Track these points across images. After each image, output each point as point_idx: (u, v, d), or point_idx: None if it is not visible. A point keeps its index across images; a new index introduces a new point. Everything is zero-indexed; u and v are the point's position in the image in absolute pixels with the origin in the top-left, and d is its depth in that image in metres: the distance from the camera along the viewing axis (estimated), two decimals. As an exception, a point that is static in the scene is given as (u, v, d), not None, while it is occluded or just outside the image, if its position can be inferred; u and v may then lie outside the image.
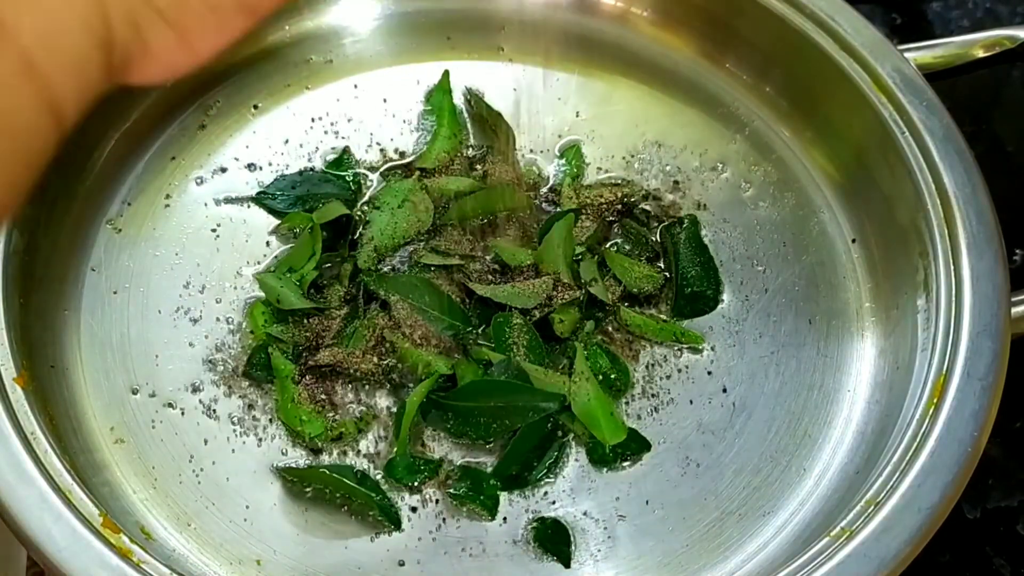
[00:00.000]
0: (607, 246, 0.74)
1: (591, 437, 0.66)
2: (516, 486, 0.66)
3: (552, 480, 0.66)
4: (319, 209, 0.74)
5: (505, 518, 0.65)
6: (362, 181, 0.77)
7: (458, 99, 0.81)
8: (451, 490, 0.65)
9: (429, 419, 0.67)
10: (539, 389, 0.66)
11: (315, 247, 0.71)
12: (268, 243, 0.74)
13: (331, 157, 0.78)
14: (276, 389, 0.67)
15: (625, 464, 0.66)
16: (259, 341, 0.69)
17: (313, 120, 0.80)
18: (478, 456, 0.67)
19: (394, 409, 0.68)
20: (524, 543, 0.64)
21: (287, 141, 0.79)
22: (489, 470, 0.66)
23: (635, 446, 0.67)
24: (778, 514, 0.66)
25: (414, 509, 0.65)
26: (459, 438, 0.67)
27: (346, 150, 0.78)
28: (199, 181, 0.77)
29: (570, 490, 0.66)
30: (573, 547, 0.64)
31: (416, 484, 0.65)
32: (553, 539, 0.64)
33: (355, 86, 0.82)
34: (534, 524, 0.65)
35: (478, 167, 0.77)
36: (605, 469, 0.67)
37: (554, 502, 0.66)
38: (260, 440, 0.67)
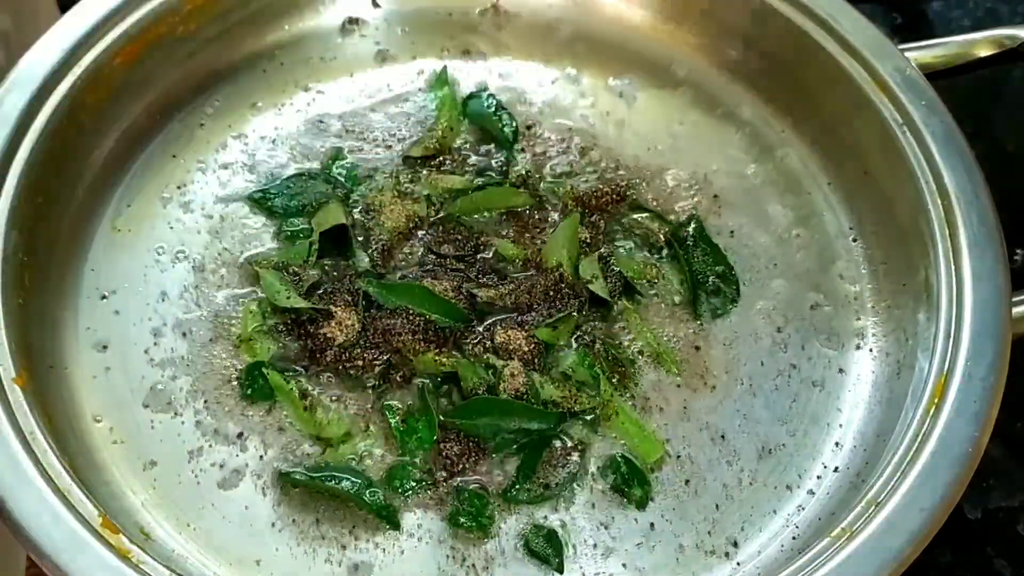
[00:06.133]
0: (613, 246, 0.74)
1: (613, 462, 0.67)
2: (523, 503, 0.65)
3: (563, 497, 0.66)
4: (318, 213, 0.74)
5: (504, 524, 0.65)
6: (359, 179, 0.76)
7: (459, 98, 0.81)
8: (449, 512, 0.64)
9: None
10: (535, 408, 0.66)
11: (312, 249, 0.71)
12: (267, 243, 0.74)
13: (329, 156, 0.78)
14: (283, 404, 0.67)
15: (627, 502, 0.66)
16: (250, 356, 0.69)
17: (312, 119, 0.80)
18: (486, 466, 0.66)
19: (394, 409, 0.67)
20: (521, 549, 0.64)
21: (286, 140, 0.79)
22: (491, 473, 0.66)
23: (639, 496, 0.66)
24: (779, 514, 0.66)
25: (413, 512, 0.65)
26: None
27: (340, 151, 0.78)
28: (198, 180, 0.76)
29: (569, 496, 0.66)
30: (568, 553, 0.64)
31: (415, 492, 0.65)
32: (545, 546, 0.64)
33: (354, 85, 0.82)
34: (528, 531, 0.64)
35: (473, 164, 0.77)
36: (610, 484, 0.66)
37: (552, 509, 0.65)
38: (259, 442, 0.66)
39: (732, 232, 0.76)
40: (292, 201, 0.75)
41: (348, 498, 0.64)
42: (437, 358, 0.68)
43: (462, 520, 0.64)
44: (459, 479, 0.65)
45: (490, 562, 0.63)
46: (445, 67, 0.82)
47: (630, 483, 0.66)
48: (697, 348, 0.71)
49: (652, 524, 0.65)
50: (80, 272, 0.72)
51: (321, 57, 0.83)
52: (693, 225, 0.76)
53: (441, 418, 0.66)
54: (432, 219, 0.75)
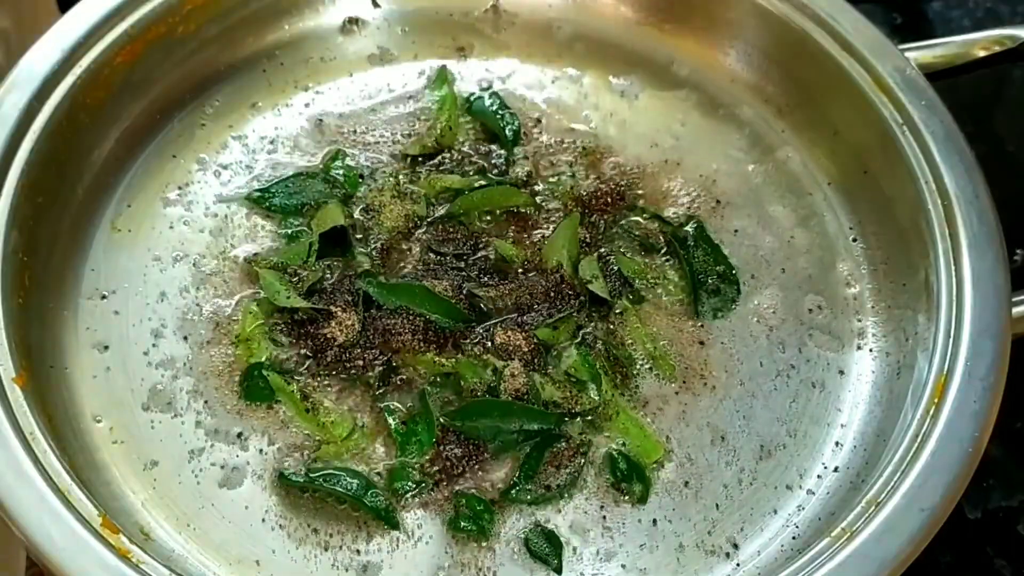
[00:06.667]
0: (613, 246, 0.74)
1: (611, 459, 0.66)
2: (524, 504, 0.65)
3: (564, 498, 0.66)
4: (317, 213, 0.74)
5: (506, 525, 0.65)
6: (358, 179, 0.76)
7: (459, 97, 0.81)
8: (449, 515, 0.64)
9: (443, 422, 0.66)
10: (535, 409, 0.66)
11: (311, 250, 0.71)
12: (267, 243, 0.74)
13: (329, 156, 0.78)
14: (285, 404, 0.67)
15: (626, 498, 0.66)
16: (248, 358, 0.69)
17: (312, 119, 0.80)
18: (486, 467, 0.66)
19: (394, 411, 0.67)
20: (521, 550, 0.64)
21: (286, 140, 0.79)
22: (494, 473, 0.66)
23: (639, 492, 0.66)
24: (779, 514, 0.66)
25: (414, 513, 0.65)
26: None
27: (339, 151, 0.78)
28: (198, 180, 0.76)
29: (570, 497, 0.66)
30: (569, 554, 0.64)
31: (415, 494, 0.65)
32: (545, 547, 0.63)
33: (354, 85, 0.82)
34: (529, 531, 0.64)
35: (472, 164, 0.77)
36: (609, 482, 0.66)
37: (554, 510, 0.65)
38: (260, 441, 0.66)
39: (733, 233, 0.76)
40: (291, 200, 0.75)
41: (348, 499, 0.64)
42: (437, 358, 0.68)
43: (463, 524, 0.64)
44: (459, 481, 0.65)
45: (491, 563, 0.63)
46: (445, 66, 0.82)
47: (629, 479, 0.66)
48: (697, 348, 0.71)
49: (653, 524, 0.65)
50: (80, 272, 0.72)
51: (321, 57, 0.83)
52: (693, 225, 0.76)
53: (441, 420, 0.66)
54: (431, 219, 0.75)
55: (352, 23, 0.84)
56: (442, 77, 0.81)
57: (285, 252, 0.73)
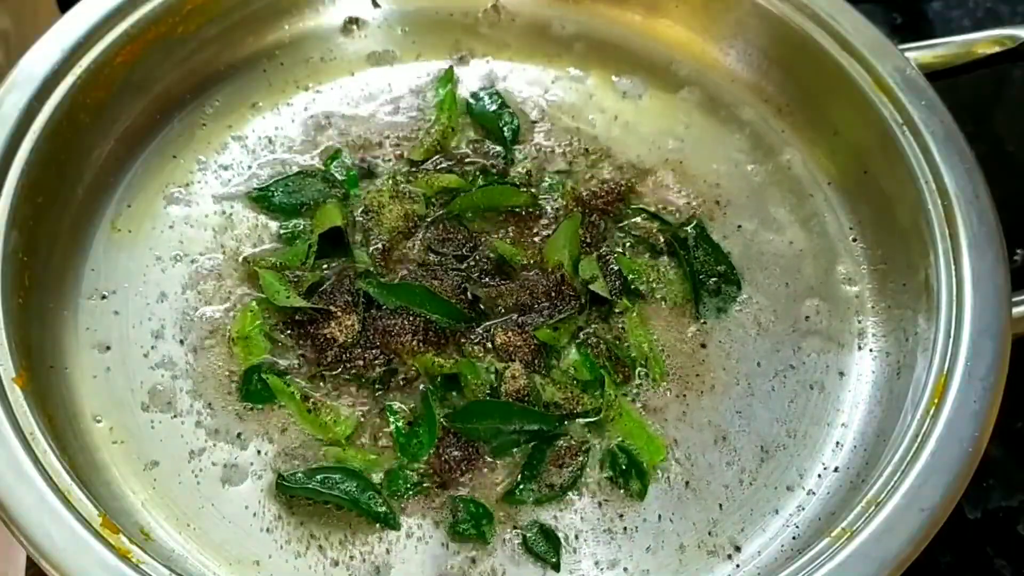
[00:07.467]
0: (614, 246, 0.74)
1: (611, 455, 0.66)
2: (527, 504, 0.65)
3: (566, 498, 0.66)
4: (317, 213, 0.74)
5: (506, 526, 0.65)
6: (358, 179, 0.76)
7: (460, 97, 0.81)
8: (448, 518, 0.64)
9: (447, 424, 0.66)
10: (535, 411, 0.66)
11: (311, 251, 0.71)
12: (267, 242, 0.74)
13: (329, 156, 0.78)
14: (286, 405, 0.67)
15: (625, 494, 0.66)
16: (248, 355, 0.69)
17: (312, 119, 0.80)
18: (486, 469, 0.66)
19: (395, 411, 0.67)
20: (519, 550, 0.64)
21: (286, 140, 0.79)
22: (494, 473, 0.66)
23: (638, 488, 0.66)
24: (779, 514, 0.66)
25: (413, 516, 0.65)
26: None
27: (339, 150, 0.78)
28: (198, 180, 0.76)
29: (572, 497, 0.66)
30: (570, 555, 0.64)
31: (413, 496, 0.65)
32: (543, 544, 0.63)
33: (354, 85, 0.82)
34: (526, 529, 0.64)
35: (472, 164, 0.77)
36: (608, 481, 0.66)
37: (556, 511, 0.65)
38: (260, 441, 0.66)
39: (734, 232, 0.76)
40: (291, 200, 0.75)
41: (347, 502, 0.64)
42: (437, 359, 0.68)
43: (462, 528, 0.64)
44: (459, 483, 0.65)
45: (492, 564, 0.63)
46: (451, 67, 0.82)
47: (628, 475, 0.66)
48: (698, 348, 0.71)
49: (654, 525, 0.65)
50: (80, 272, 0.72)
51: (321, 57, 0.83)
52: (694, 225, 0.76)
53: (442, 422, 0.66)
54: (431, 219, 0.75)
55: (352, 23, 0.84)
56: (447, 77, 0.81)
57: (285, 252, 0.73)
